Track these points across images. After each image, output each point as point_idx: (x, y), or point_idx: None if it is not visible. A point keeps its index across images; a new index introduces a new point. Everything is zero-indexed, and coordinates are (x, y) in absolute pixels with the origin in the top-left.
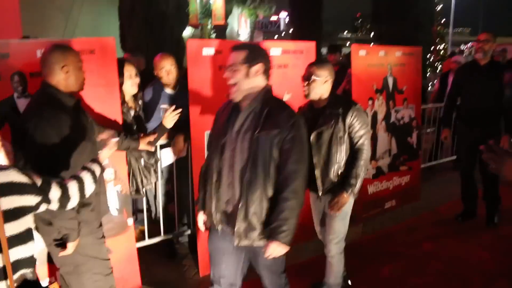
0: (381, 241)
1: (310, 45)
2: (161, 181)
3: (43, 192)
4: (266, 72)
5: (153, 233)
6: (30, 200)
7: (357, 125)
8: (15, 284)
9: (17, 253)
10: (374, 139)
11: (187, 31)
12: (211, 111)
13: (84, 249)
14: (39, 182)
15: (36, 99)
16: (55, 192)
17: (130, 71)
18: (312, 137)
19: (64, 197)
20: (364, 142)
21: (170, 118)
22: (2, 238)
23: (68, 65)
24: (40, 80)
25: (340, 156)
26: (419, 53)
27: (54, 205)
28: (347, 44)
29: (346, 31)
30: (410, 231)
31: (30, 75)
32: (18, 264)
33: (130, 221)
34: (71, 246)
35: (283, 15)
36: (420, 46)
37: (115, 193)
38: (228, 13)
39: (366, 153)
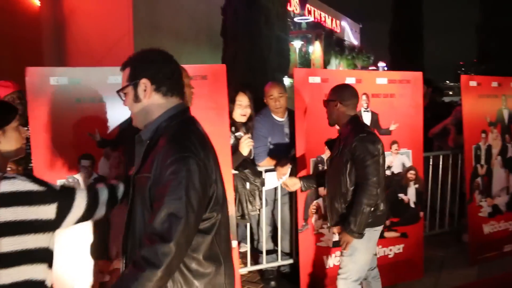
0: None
1: (418, 75)
2: (265, 208)
3: (62, 196)
4: (163, 88)
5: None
6: (43, 211)
7: (358, 155)
8: None
9: (18, 273)
10: (488, 175)
11: (287, 81)
12: (316, 138)
13: None
14: (57, 187)
15: None
16: (81, 195)
17: (241, 100)
18: (326, 164)
19: (93, 202)
20: (365, 175)
21: (244, 144)
22: None
23: None
24: None
25: (345, 187)
26: None
27: (79, 211)
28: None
29: (447, 81)
30: None
31: None
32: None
33: (234, 243)
34: None
35: (382, 65)
36: None
37: None
38: (326, 63)
39: (367, 187)
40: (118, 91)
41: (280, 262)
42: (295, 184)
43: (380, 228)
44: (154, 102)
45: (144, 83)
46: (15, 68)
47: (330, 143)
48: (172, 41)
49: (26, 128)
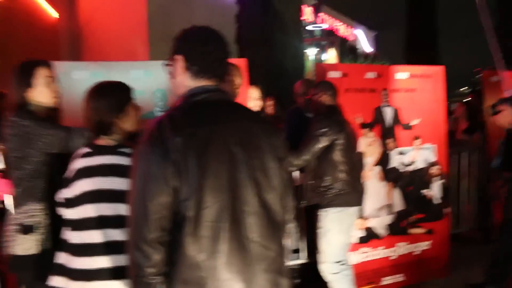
0: None
1: (439, 69)
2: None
3: None
4: (195, 68)
5: None
6: None
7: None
8: None
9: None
10: None
11: None
12: None
13: None
14: None
15: None
16: None
17: (252, 93)
18: None
19: None
20: (303, 148)
21: None
22: None
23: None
24: None
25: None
26: None
27: None
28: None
29: (464, 88)
30: None
31: None
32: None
33: None
34: None
35: None
36: None
37: None
38: None
39: (299, 157)
40: (166, 65)
41: (302, 260)
42: None
43: (351, 210)
44: (184, 82)
45: (179, 59)
46: None
47: None
48: None
49: None
